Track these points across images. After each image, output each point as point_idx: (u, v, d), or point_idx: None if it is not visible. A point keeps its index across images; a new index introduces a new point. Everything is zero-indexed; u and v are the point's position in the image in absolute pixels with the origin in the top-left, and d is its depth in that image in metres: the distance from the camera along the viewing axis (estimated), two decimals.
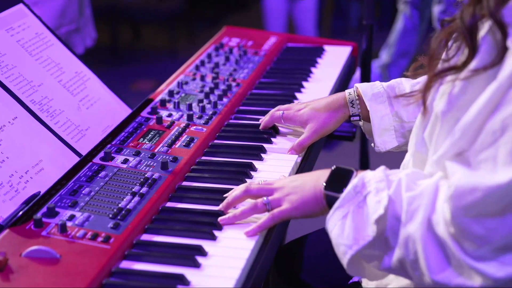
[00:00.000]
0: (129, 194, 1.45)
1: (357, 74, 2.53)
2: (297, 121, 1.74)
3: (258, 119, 1.85)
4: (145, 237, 1.37)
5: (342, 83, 2.27)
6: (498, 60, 1.11)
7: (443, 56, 1.24)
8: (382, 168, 1.29)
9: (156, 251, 1.31)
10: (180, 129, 1.75)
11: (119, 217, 1.37)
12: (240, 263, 1.27)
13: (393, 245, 1.21)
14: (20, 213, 1.36)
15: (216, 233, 1.36)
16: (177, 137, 1.71)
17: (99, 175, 1.52)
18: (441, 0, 3.98)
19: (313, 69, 2.27)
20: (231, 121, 1.88)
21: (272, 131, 1.79)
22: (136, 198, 1.44)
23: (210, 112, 1.86)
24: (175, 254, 1.29)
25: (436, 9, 4.01)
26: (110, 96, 1.91)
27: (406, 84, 1.66)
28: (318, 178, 1.37)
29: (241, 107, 1.96)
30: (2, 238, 1.30)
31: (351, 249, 1.24)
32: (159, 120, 1.78)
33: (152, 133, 1.73)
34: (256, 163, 1.63)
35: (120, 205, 1.41)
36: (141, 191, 1.46)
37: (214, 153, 1.70)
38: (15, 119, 1.60)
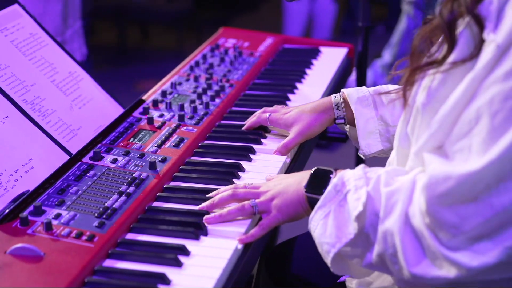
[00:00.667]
0: (116, 194, 1.47)
1: (354, 75, 2.55)
2: (283, 124, 1.76)
3: None
4: (130, 236, 1.38)
5: (337, 85, 2.28)
6: (476, 52, 1.14)
7: (427, 53, 1.26)
8: (361, 166, 1.31)
9: (140, 250, 1.33)
10: (171, 130, 1.77)
11: (104, 216, 1.39)
12: (222, 263, 1.29)
13: (374, 241, 1.22)
14: (7, 211, 1.38)
15: (200, 233, 1.38)
16: (167, 138, 1.73)
17: (88, 174, 1.54)
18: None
19: (307, 71, 2.29)
20: (222, 121, 1.90)
21: (262, 132, 1.80)
22: (123, 198, 1.45)
23: (202, 113, 1.87)
24: (158, 254, 1.30)
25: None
26: (104, 96, 1.93)
27: (391, 87, 1.67)
28: (300, 180, 1.40)
29: (233, 108, 1.98)
30: None
31: (334, 247, 1.27)
32: (150, 120, 1.80)
33: (142, 133, 1.75)
34: (244, 164, 1.65)
35: (106, 204, 1.43)
36: (128, 191, 1.48)
37: (203, 153, 1.71)
38: (6, 119, 1.62)
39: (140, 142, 1.70)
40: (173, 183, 1.58)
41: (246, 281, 1.38)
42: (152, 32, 7.22)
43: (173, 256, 1.29)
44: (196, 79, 2.11)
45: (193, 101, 1.93)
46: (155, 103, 1.91)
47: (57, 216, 1.38)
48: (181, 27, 6.56)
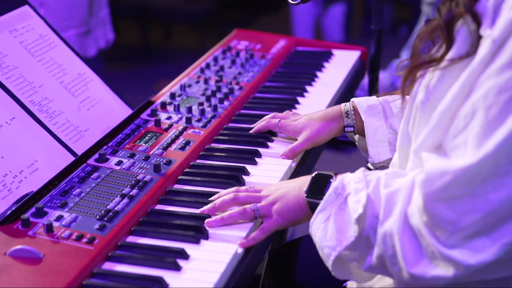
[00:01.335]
0: (119, 196, 1.47)
1: (367, 79, 2.53)
2: (292, 130, 1.76)
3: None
4: (130, 239, 1.38)
5: (348, 88, 2.27)
6: (473, 49, 1.14)
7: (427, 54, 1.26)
8: (361, 169, 1.31)
9: (139, 253, 1.33)
10: (177, 132, 1.77)
11: (105, 219, 1.39)
12: (221, 267, 1.29)
13: (374, 243, 1.22)
14: (8, 212, 1.39)
15: (200, 237, 1.37)
16: (173, 140, 1.73)
17: (92, 176, 1.54)
18: None
19: (318, 73, 2.28)
20: (230, 124, 1.89)
21: (269, 136, 1.80)
22: (125, 200, 1.46)
23: (210, 116, 1.87)
24: (157, 257, 1.30)
25: None
26: (112, 98, 1.94)
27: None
28: (301, 185, 1.40)
29: (242, 111, 1.98)
30: None
31: (335, 250, 1.27)
32: (157, 122, 1.80)
33: (149, 135, 1.75)
34: (249, 167, 1.64)
35: (108, 206, 1.43)
36: (130, 193, 1.48)
37: (209, 156, 1.71)
38: (13, 120, 1.63)
39: (146, 145, 1.70)
40: (177, 186, 1.57)
41: (246, 284, 1.37)
42: (175, 31, 7.25)
43: (172, 260, 1.28)
44: (206, 81, 2.11)
45: (201, 104, 1.93)
46: (163, 105, 1.92)
47: (59, 218, 1.39)
48: (203, 27, 6.58)
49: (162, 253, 1.32)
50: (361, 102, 1.72)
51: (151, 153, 1.66)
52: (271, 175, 1.62)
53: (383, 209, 1.20)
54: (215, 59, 2.29)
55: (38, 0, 2.70)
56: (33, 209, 1.41)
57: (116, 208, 1.42)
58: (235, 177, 1.58)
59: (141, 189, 1.50)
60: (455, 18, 1.18)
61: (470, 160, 1.08)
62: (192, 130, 1.79)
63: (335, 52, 2.47)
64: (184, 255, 1.31)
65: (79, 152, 1.68)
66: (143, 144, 1.70)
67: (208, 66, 2.23)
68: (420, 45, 1.26)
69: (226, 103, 1.97)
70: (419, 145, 1.21)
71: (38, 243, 1.31)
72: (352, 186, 1.27)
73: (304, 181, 1.40)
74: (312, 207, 1.34)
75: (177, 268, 1.28)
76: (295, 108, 2.00)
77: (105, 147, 1.68)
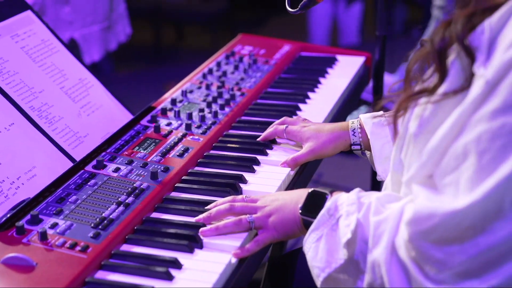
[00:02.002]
0: (115, 204, 1.47)
1: (371, 85, 2.52)
2: (298, 137, 1.75)
3: (258, 130, 1.86)
4: (125, 247, 1.38)
5: (352, 94, 2.26)
6: (466, 85, 1.11)
7: (421, 77, 1.24)
8: (356, 190, 1.30)
9: (132, 262, 1.33)
10: (177, 139, 1.77)
11: (100, 227, 1.39)
12: (213, 277, 1.28)
13: (364, 269, 1.22)
14: (3, 219, 1.39)
15: (194, 246, 1.37)
16: (172, 147, 1.73)
17: (88, 183, 1.55)
18: None
19: (322, 80, 2.27)
20: (230, 131, 1.89)
21: (269, 143, 1.79)
22: (121, 208, 1.46)
23: (210, 122, 1.87)
24: (150, 266, 1.30)
25: None
26: (113, 103, 1.94)
27: None
28: (297, 200, 1.40)
29: (243, 117, 1.97)
30: None
31: (324, 271, 1.27)
32: (157, 129, 1.80)
33: (148, 141, 1.75)
34: (247, 175, 1.64)
35: (103, 214, 1.43)
36: (126, 201, 1.48)
37: (207, 163, 1.71)
38: (12, 125, 1.63)
39: (145, 151, 1.70)
40: (174, 194, 1.57)
41: None
42: (187, 32, 7.26)
43: (165, 269, 1.28)
44: (208, 87, 2.10)
45: (202, 110, 1.93)
46: (164, 111, 1.92)
47: (54, 226, 1.39)
48: (216, 28, 6.58)
49: (155, 262, 1.32)
50: (367, 119, 1.71)
51: (149, 160, 1.66)
52: (269, 184, 1.62)
53: (372, 238, 1.19)
54: (218, 64, 2.29)
55: None
56: (28, 216, 1.41)
57: (111, 216, 1.42)
58: (232, 185, 1.58)
59: (137, 197, 1.50)
60: (447, 47, 1.14)
61: (459, 204, 1.06)
62: (191, 137, 1.79)
63: (340, 57, 2.47)
64: (177, 265, 1.31)
65: (78, 158, 1.69)
66: (142, 151, 1.70)
67: (210, 71, 2.22)
68: (413, 71, 1.23)
69: (227, 109, 1.97)
70: (410, 177, 1.20)
71: (31, 250, 1.32)
72: (344, 209, 1.26)
73: (300, 195, 1.39)
74: (306, 225, 1.34)
75: (170, 277, 1.27)
76: (296, 114, 1.99)
77: (103, 153, 1.68)
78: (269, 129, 1.81)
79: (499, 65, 1.05)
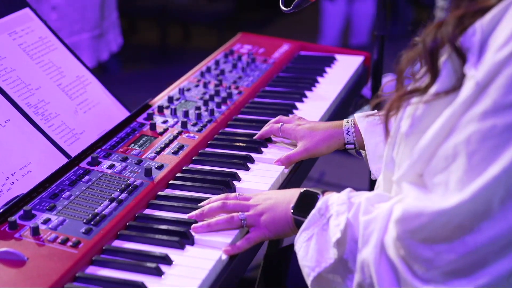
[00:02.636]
0: (108, 200, 1.48)
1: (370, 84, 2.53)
2: (293, 135, 1.76)
3: (253, 128, 1.87)
4: (116, 243, 1.39)
5: (349, 94, 2.27)
6: (458, 85, 1.11)
7: (414, 76, 1.24)
8: (347, 190, 1.31)
9: (123, 258, 1.33)
10: (172, 136, 1.77)
11: (92, 223, 1.40)
12: (203, 273, 1.29)
13: (353, 269, 1.22)
14: None
15: (185, 242, 1.38)
16: (167, 144, 1.73)
17: (82, 179, 1.56)
18: None
19: (319, 79, 2.27)
20: (226, 129, 1.90)
21: (264, 142, 1.80)
22: (114, 204, 1.46)
23: (206, 120, 1.88)
24: (140, 262, 1.31)
25: None
26: (111, 101, 1.95)
27: None
28: (289, 200, 1.41)
29: (239, 116, 1.98)
30: None
31: (314, 271, 1.27)
32: (153, 126, 1.81)
33: (144, 139, 1.76)
34: (241, 173, 1.65)
35: (96, 210, 1.44)
36: (119, 197, 1.49)
37: (201, 161, 1.71)
38: (7, 122, 1.64)
39: (140, 148, 1.71)
40: (167, 191, 1.58)
41: None
42: (194, 32, 7.26)
43: (155, 265, 1.29)
44: (206, 85, 2.11)
45: (198, 108, 1.94)
46: (160, 109, 1.92)
47: (46, 221, 1.40)
48: (222, 28, 6.59)
49: (145, 258, 1.33)
50: (361, 118, 1.72)
51: (143, 157, 1.67)
52: (262, 181, 1.62)
53: (361, 237, 1.20)
54: (217, 63, 2.30)
55: (50, 4, 2.74)
56: (21, 212, 1.42)
57: (103, 212, 1.43)
58: (225, 183, 1.58)
59: (130, 193, 1.51)
60: (439, 48, 1.14)
61: (447, 203, 1.06)
62: (187, 134, 1.80)
63: (338, 57, 2.47)
64: (167, 261, 1.31)
65: (74, 155, 1.69)
66: (137, 148, 1.71)
67: (208, 69, 2.23)
68: (405, 70, 1.23)
69: (223, 107, 1.97)
70: (401, 176, 1.20)
71: (23, 245, 1.33)
72: (335, 208, 1.27)
73: (292, 195, 1.40)
74: (298, 224, 1.35)
75: (159, 273, 1.28)
76: (292, 113, 2.00)
77: (98, 150, 1.69)
78: (265, 128, 1.81)
79: (489, 66, 1.05)
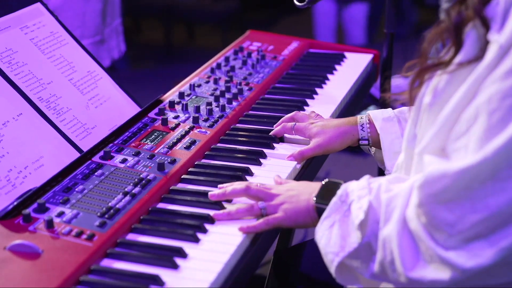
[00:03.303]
0: (121, 194, 1.48)
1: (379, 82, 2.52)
2: (307, 134, 1.76)
3: (265, 124, 1.87)
4: (130, 236, 1.39)
5: (359, 91, 2.27)
6: (481, 53, 1.14)
7: (436, 56, 1.26)
8: (366, 177, 1.32)
9: (138, 251, 1.33)
10: (184, 131, 1.77)
11: (106, 216, 1.40)
12: (218, 266, 1.29)
13: (376, 249, 1.23)
14: (10, 207, 1.40)
15: (200, 235, 1.38)
16: (179, 139, 1.73)
17: (95, 173, 1.55)
18: None
19: (329, 76, 2.27)
20: (237, 125, 1.90)
21: (276, 138, 1.80)
22: (127, 198, 1.46)
23: (217, 116, 1.87)
24: (155, 255, 1.31)
25: None
26: (121, 96, 1.94)
27: None
28: (312, 191, 1.41)
29: (250, 112, 1.98)
30: None
31: (338, 256, 1.28)
32: (164, 121, 1.81)
33: (155, 134, 1.76)
34: (253, 168, 1.65)
35: (110, 204, 1.44)
36: (133, 191, 1.48)
37: (214, 156, 1.71)
38: (20, 115, 1.64)
39: (152, 143, 1.71)
40: (180, 185, 1.58)
41: (244, 285, 1.37)
42: (198, 31, 7.26)
43: (170, 258, 1.29)
44: (216, 81, 2.11)
45: (209, 104, 1.93)
46: (172, 104, 1.92)
47: (60, 214, 1.40)
48: (227, 27, 6.59)
49: (160, 251, 1.32)
50: (377, 114, 1.72)
51: (156, 151, 1.67)
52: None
53: (383, 215, 1.21)
54: (227, 60, 2.30)
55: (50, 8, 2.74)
56: (35, 205, 1.42)
57: (117, 206, 1.43)
58: (238, 178, 1.58)
59: (143, 187, 1.51)
60: (464, 22, 1.17)
61: (469, 161, 1.08)
62: (198, 129, 1.80)
63: (348, 55, 2.47)
64: (182, 254, 1.31)
65: (86, 149, 1.69)
66: (149, 143, 1.71)
67: (219, 66, 2.23)
68: (429, 48, 1.25)
69: (234, 103, 1.97)
70: (423, 148, 1.22)
71: (38, 238, 1.32)
72: (356, 194, 1.28)
73: (314, 187, 1.41)
74: (319, 212, 1.35)
75: (175, 266, 1.28)
76: (303, 110, 2.00)
77: (110, 144, 1.69)
78: (277, 127, 1.81)
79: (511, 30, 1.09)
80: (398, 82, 2.57)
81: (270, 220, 1.41)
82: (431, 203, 1.13)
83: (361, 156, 4.26)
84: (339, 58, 2.42)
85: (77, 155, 1.67)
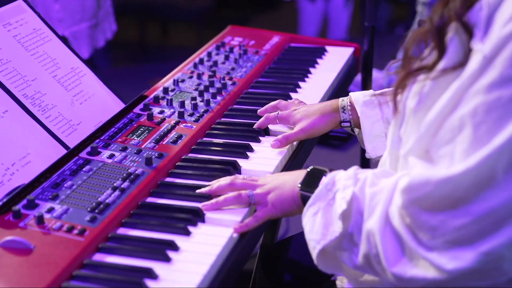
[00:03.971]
0: (110, 189, 1.48)
1: (359, 78, 2.54)
2: (291, 121, 1.77)
3: (250, 118, 1.88)
4: (121, 231, 1.39)
5: (341, 84, 2.28)
6: (465, 60, 1.13)
7: (419, 56, 1.26)
8: (354, 167, 1.33)
9: (130, 245, 1.33)
10: (170, 126, 1.77)
11: (96, 211, 1.40)
12: (210, 259, 1.30)
13: (358, 242, 1.24)
14: None
15: (191, 229, 1.38)
16: (165, 134, 1.73)
17: (83, 169, 1.55)
18: None
19: (311, 69, 2.28)
20: (222, 119, 1.90)
21: (262, 131, 1.81)
22: (117, 193, 1.46)
23: (202, 110, 1.88)
24: (147, 249, 1.31)
25: None
26: (105, 92, 1.94)
27: None
28: (296, 178, 1.42)
29: (235, 106, 1.98)
30: None
31: (319, 243, 1.29)
32: (150, 116, 1.81)
33: (141, 129, 1.76)
34: (241, 161, 1.65)
35: (99, 199, 1.44)
36: (122, 186, 1.49)
37: (200, 150, 1.72)
38: (5, 113, 1.63)
39: (138, 138, 1.71)
40: (168, 179, 1.58)
41: (236, 277, 1.38)
42: (173, 29, 7.24)
43: (162, 251, 1.29)
44: (199, 76, 2.11)
45: (194, 98, 1.94)
46: (156, 100, 1.92)
47: (50, 210, 1.39)
48: (201, 25, 6.58)
49: (152, 245, 1.33)
50: (358, 96, 1.74)
51: (143, 146, 1.67)
52: (262, 169, 1.63)
53: (367, 208, 1.22)
54: (209, 55, 2.30)
55: None
56: (24, 201, 1.42)
57: (107, 201, 1.43)
58: (226, 171, 1.59)
59: (132, 182, 1.51)
60: (446, 25, 1.16)
61: (452, 172, 1.08)
62: (184, 124, 1.80)
63: (329, 48, 2.48)
64: (174, 247, 1.32)
65: (72, 145, 1.69)
66: (135, 138, 1.71)
67: (201, 61, 2.23)
68: (411, 48, 1.25)
69: (218, 98, 1.98)
70: (408, 150, 1.22)
71: (29, 234, 1.32)
72: (342, 183, 1.29)
73: (299, 175, 1.42)
74: (304, 200, 1.36)
75: (167, 259, 1.29)
76: None
77: (97, 140, 1.69)
78: (261, 119, 1.82)
79: (496, 40, 1.07)
80: (374, 75, 2.59)
81: (259, 216, 1.42)
82: (414, 207, 1.13)
83: (341, 151, 4.29)
84: (321, 52, 2.43)
85: (63, 151, 1.67)
